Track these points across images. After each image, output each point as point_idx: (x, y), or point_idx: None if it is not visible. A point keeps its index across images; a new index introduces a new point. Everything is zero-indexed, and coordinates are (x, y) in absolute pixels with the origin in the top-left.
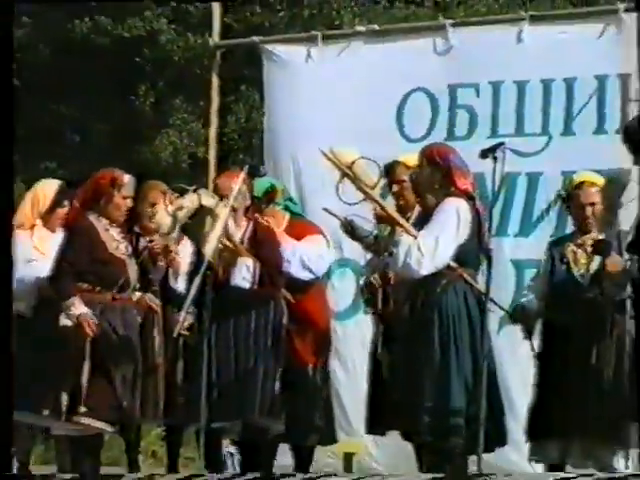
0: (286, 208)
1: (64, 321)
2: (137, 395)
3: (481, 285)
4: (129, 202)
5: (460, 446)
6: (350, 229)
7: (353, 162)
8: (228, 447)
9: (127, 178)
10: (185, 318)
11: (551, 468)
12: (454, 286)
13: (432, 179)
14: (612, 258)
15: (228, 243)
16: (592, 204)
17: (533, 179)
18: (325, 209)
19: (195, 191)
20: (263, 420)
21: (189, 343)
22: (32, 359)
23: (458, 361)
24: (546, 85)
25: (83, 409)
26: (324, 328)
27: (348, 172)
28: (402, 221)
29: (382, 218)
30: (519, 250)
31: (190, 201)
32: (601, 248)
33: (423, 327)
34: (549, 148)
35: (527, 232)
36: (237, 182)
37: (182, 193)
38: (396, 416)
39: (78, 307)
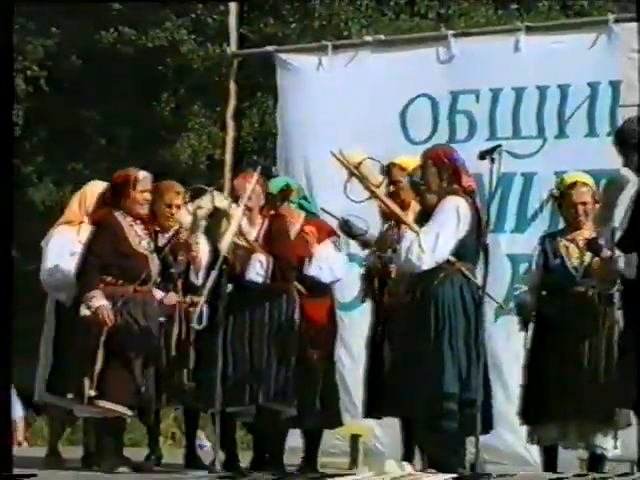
0: (301, 207)
1: (84, 311)
2: (155, 381)
3: (479, 278)
4: (147, 195)
5: (454, 429)
6: (346, 228)
7: (360, 162)
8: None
9: (142, 174)
10: (202, 310)
11: (545, 450)
12: (451, 279)
13: (438, 178)
14: (605, 253)
15: (242, 242)
16: (583, 203)
17: (528, 179)
18: (322, 209)
19: (211, 192)
20: (276, 405)
21: (205, 334)
22: (70, 346)
23: (452, 349)
24: (541, 91)
25: (93, 393)
26: (332, 322)
27: (355, 172)
28: (405, 218)
29: (387, 215)
30: (515, 245)
31: (207, 201)
32: (594, 246)
33: (420, 317)
34: (543, 150)
35: (522, 228)
36: (251, 183)
37: (200, 193)
38: (392, 401)
39: (98, 299)
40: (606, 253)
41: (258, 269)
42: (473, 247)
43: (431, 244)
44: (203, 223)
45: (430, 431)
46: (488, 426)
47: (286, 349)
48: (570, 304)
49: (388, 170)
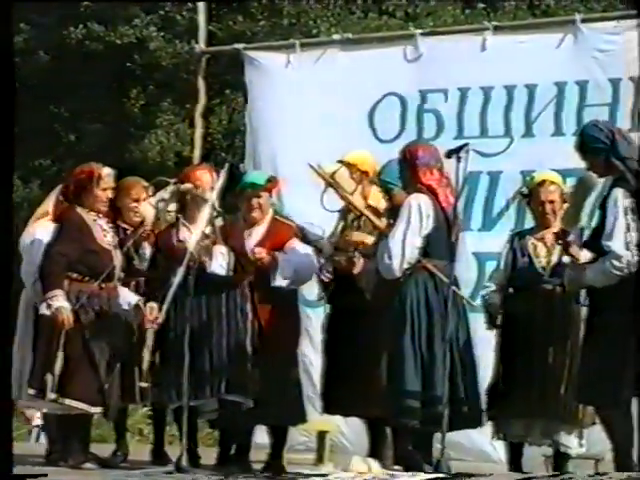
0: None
1: (44, 310)
2: (119, 378)
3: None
4: (109, 193)
5: (415, 426)
6: (301, 235)
7: (334, 172)
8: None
9: (106, 171)
10: (155, 309)
11: (511, 446)
12: (416, 278)
13: (401, 175)
14: (574, 250)
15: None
16: (551, 201)
17: (494, 178)
18: (276, 213)
19: (175, 184)
20: (235, 397)
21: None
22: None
23: (414, 347)
24: (509, 91)
25: (53, 396)
26: (293, 319)
27: (332, 183)
28: (377, 222)
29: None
30: (481, 243)
31: (170, 193)
32: (562, 237)
33: (383, 315)
34: (510, 149)
35: (489, 227)
36: (220, 179)
37: (164, 186)
38: (354, 399)
39: (59, 300)
40: (575, 250)
41: (221, 261)
42: (441, 244)
43: (399, 250)
44: (167, 215)
45: (393, 428)
46: (477, 421)
47: (240, 342)
48: (537, 302)
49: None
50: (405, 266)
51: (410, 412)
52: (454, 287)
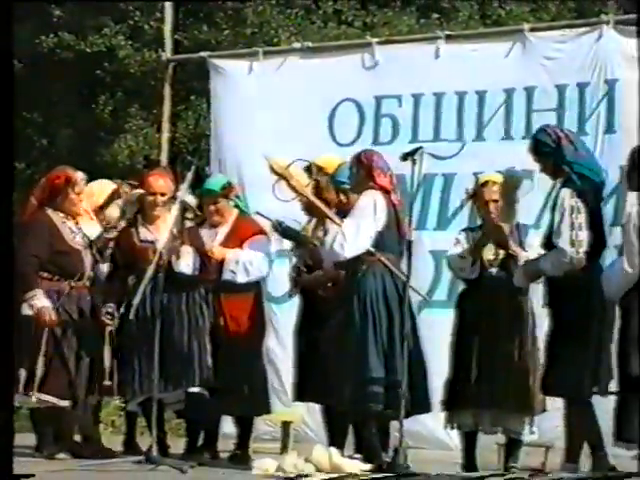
0: (236, 206)
1: (26, 311)
2: (88, 373)
3: (404, 269)
4: (82, 196)
5: (378, 412)
6: (280, 229)
7: (288, 165)
8: None
9: (80, 176)
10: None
11: (465, 435)
12: (373, 270)
13: (357, 176)
14: (511, 244)
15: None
16: (495, 201)
17: (448, 179)
18: (258, 213)
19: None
20: (199, 389)
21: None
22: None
23: (375, 336)
24: (460, 97)
25: (34, 398)
26: (257, 314)
27: (285, 174)
28: (330, 213)
29: (313, 212)
30: (437, 242)
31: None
32: (498, 235)
33: (345, 307)
34: (463, 152)
35: (444, 226)
36: (186, 181)
37: (132, 188)
38: (320, 387)
39: (40, 299)
40: (512, 245)
41: (187, 261)
42: (393, 240)
43: (352, 234)
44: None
45: (357, 415)
46: (426, 407)
47: (202, 337)
48: (486, 296)
49: (309, 170)
50: (355, 252)
51: (375, 397)
52: (410, 285)
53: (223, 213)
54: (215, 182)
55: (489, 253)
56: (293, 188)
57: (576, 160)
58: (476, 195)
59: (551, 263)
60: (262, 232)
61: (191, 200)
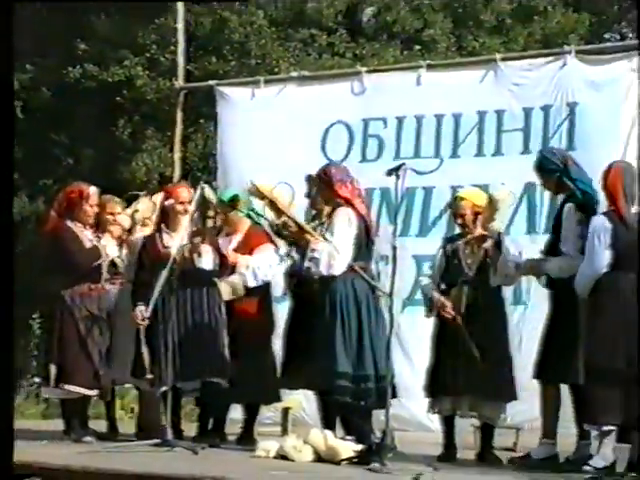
0: (249, 216)
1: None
2: (111, 365)
3: (389, 272)
4: (95, 209)
5: (345, 403)
6: (274, 229)
7: (272, 189)
8: None
9: (92, 190)
10: (145, 309)
11: (445, 419)
12: (344, 277)
13: (321, 191)
14: (491, 251)
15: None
16: (462, 215)
17: (428, 192)
18: (252, 210)
19: (146, 196)
20: (215, 378)
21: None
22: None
23: (344, 335)
24: (438, 119)
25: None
26: (266, 312)
27: (270, 197)
28: (311, 231)
29: (293, 231)
30: (419, 247)
31: (144, 204)
32: (482, 241)
33: (320, 308)
34: (440, 168)
35: (425, 233)
36: (196, 194)
37: (135, 199)
38: (300, 376)
39: (66, 299)
40: (492, 251)
41: (207, 258)
42: (363, 247)
43: (337, 253)
44: (146, 222)
45: (330, 404)
46: (392, 395)
47: (221, 331)
48: (463, 296)
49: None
50: (343, 268)
51: (342, 390)
52: (378, 287)
53: (232, 222)
54: (226, 194)
55: (468, 257)
56: (277, 209)
57: (580, 178)
58: (452, 208)
59: (559, 267)
60: (271, 241)
61: (212, 197)
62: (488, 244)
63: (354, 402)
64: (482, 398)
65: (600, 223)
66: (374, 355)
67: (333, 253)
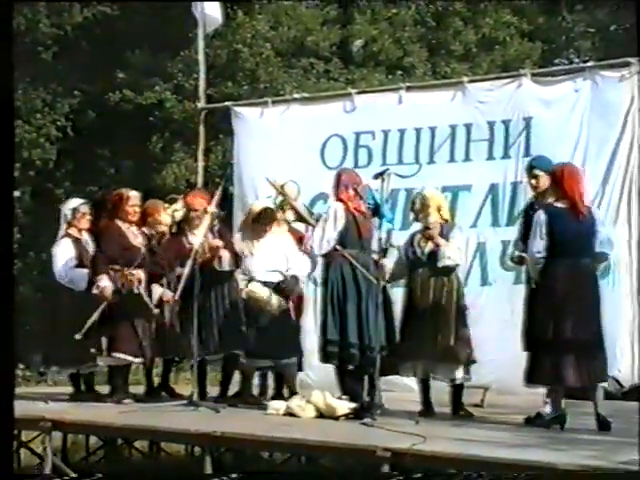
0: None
1: (95, 290)
2: (152, 337)
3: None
4: (137, 209)
5: (336, 366)
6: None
7: (283, 185)
8: None
9: (132, 193)
10: (166, 293)
11: (421, 381)
12: (335, 261)
13: (332, 189)
14: (437, 239)
15: (213, 241)
16: (420, 210)
17: (409, 193)
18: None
19: (184, 199)
20: (237, 350)
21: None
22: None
23: (333, 309)
24: (417, 131)
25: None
26: (300, 299)
27: (282, 191)
28: (308, 219)
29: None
30: (401, 239)
31: (181, 206)
32: (427, 231)
33: (322, 288)
34: (419, 172)
35: (407, 227)
36: (216, 198)
37: (175, 201)
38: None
39: (103, 282)
40: (438, 239)
41: (226, 260)
42: (353, 238)
43: (318, 237)
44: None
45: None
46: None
47: (240, 313)
48: (419, 279)
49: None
50: (325, 249)
51: (331, 355)
52: (362, 270)
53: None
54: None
55: (421, 246)
56: (288, 202)
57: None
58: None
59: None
60: (301, 241)
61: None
62: (432, 232)
63: (341, 366)
64: (434, 362)
65: (537, 215)
66: (361, 328)
67: (315, 237)
